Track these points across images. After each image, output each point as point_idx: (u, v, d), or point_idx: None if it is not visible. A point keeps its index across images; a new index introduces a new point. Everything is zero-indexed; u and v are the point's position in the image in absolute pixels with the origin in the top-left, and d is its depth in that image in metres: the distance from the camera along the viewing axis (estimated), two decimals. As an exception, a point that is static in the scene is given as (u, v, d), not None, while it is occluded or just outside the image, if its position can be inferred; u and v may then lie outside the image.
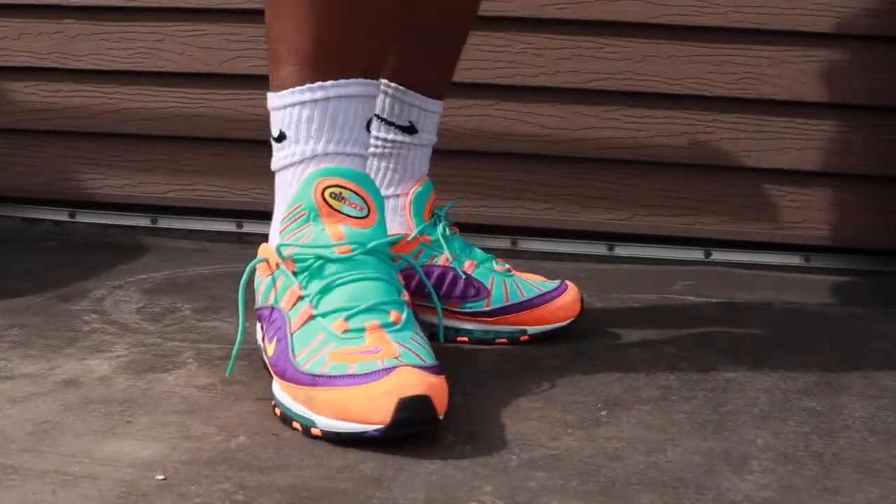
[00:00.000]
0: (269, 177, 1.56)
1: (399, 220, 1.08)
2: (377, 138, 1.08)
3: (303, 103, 0.89)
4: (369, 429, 0.77)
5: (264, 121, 1.54)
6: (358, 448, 0.79)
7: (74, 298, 1.21)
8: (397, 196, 1.08)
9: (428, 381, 0.78)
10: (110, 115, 1.59)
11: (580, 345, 1.06)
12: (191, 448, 0.79)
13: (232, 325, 1.12)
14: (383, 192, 1.07)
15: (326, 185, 0.88)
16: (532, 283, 1.08)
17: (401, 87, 1.07)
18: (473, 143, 1.48)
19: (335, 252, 0.87)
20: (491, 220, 1.52)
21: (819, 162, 1.45)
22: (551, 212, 1.52)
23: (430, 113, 1.09)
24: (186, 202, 1.60)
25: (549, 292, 1.07)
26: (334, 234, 0.88)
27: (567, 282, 1.08)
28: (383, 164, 1.08)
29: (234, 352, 0.91)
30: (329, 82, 0.88)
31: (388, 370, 0.78)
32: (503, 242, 1.53)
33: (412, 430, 0.78)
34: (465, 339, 1.07)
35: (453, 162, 1.51)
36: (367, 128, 0.93)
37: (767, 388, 0.94)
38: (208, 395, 0.91)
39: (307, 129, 0.90)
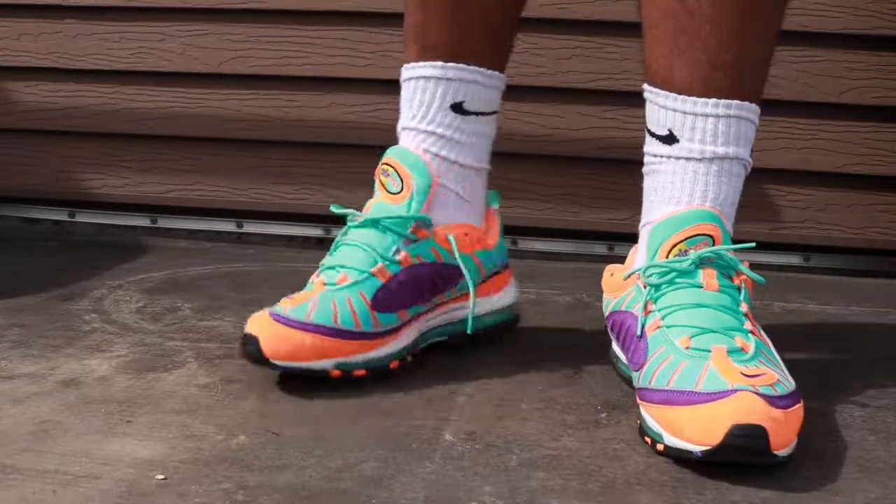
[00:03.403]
0: (269, 177, 1.57)
1: (639, 255, 0.92)
2: (645, 154, 0.92)
3: (401, 82, 1.00)
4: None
5: (264, 121, 1.55)
6: (357, 448, 0.79)
7: (74, 298, 1.21)
8: (648, 224, 0.91)
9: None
10: (110, 115, 1.59)
11: (580, 345, 1.05)
12: (191, 448, 0.79)
13: (231, 325, 1.12)
14: (643, 220, 0.92)
15: (380, 164, 0.98)
16: (718, 375, 0.78)
17: (653, 88, 0.90)
18: (473, 143, 1.47)
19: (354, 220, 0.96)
20: (491, 220, 1.52)
21: (819, 162, 1.45)
22: (551, 212, 1.52)
23: (698, 116, 0.87)
24: (186, 202, 1.60)
25: (701, 393, 0.77)
26: (367, 206, 0.96)
27: (744, 392, 0.75)
28: (647, 183, 0.92)
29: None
30: (408, 65, 0.98)
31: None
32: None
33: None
34: (640, 421, 0.83)
35: (453, 162, 1.51)
36: (456, 109, 0.97)
37: (767, 388, 0.94)
38: (208, 394, 0.91)
39: (403, 105, 1.00)
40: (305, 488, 0.73)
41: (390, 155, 0.97)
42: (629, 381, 0.92)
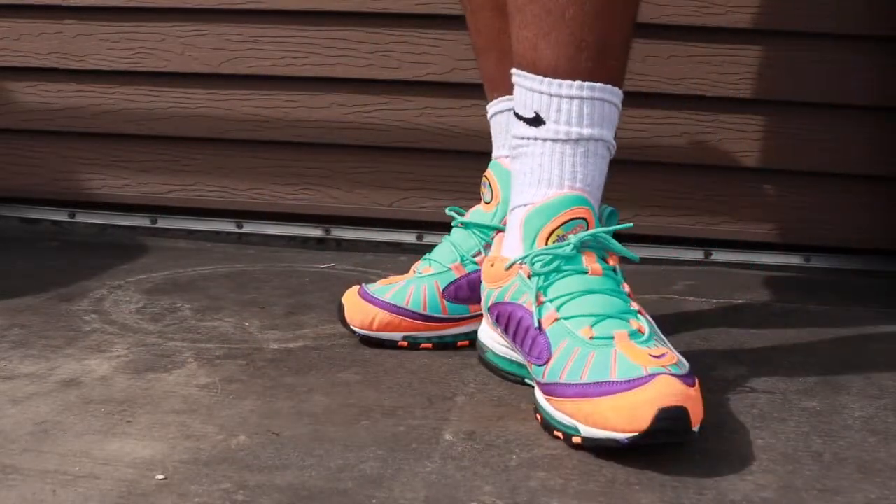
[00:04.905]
0: (269, 177, 1.57)
1: (511, 240, 0.92)
2: (513, 137, 0.93)
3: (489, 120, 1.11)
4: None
5: (264, 121, 1.55)
6: (357, 448, 0.79)
7: (74, 298, 1.21)
8: (523, 206, 0.91)
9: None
10: (110, 115, 1.59)
11: (580, 345, 1.05)
12: (191, 448, 0.79)
13: (231, 325, 1.12)
14: (512, 203, 0.93)
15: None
16: (629, 361, 0.79)
17: (520, 71, 0.91)
18: (473, 144, 1.48)
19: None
20: (491, 220, 1.52)
21: (819, 162, 1.45)
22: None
23: (563, 98, 0.88)
24: (186, 202, 1.60)
25: (619, 382, 0.77)
26: (469, 211, 1.08)
27: (663, 376, 0.76)
28: (515, 167, 0.92)
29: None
30: (490, 103, 1.09)
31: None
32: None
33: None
34: (539, 416, 0.84)
35: (453, 162, 1.51)
36: None
37: (767, 389, 0.94)
38: (208, 394, 0.91)
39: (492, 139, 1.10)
40: (305, 488, 0.73)
41: (489, 168, 1.07)
42: (500, 371, 0.95)
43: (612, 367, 0.79)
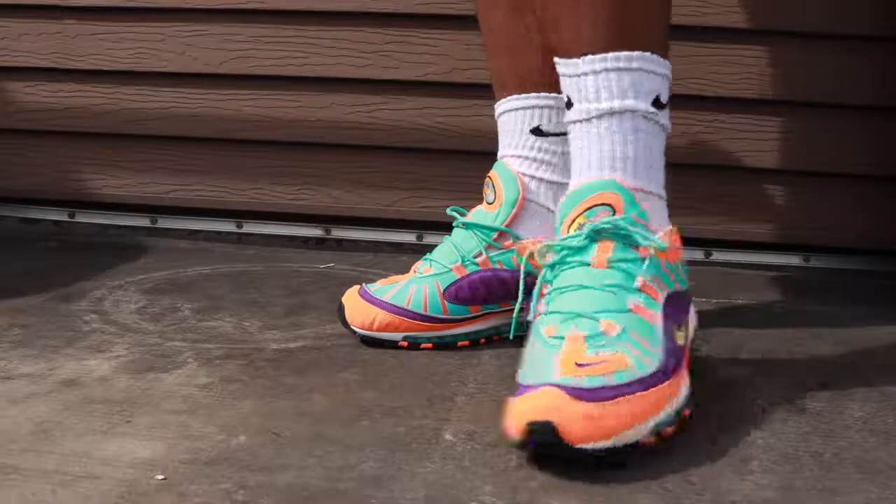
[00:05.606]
0: (269, 177, 1.57)
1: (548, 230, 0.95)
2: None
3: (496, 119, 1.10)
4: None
5: (264, 121, 1.55)
6: (357, 448, 0.79)
7: (74, 298, 1.21)
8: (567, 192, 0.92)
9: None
10: (110, 115, 1.59)
11: (580, 345, 1.05)
12: (191, 448, 0.79)
13: (231, 325, 1.12)
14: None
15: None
16: (551, 366, 0.79)
17: (557, 58, 0.90)
18: (474, 144, 1.48)
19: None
20: (491, 220, 1.52)
21: (819, 162, 1.45)
22: (551, 212, 1.52)
23: (580, 77, 0.87)
24: (186, 202, 1.60)
25: (522, 385, 0.80)
26: (470, 211, 1.08)
27: (548, 387, 0.75)
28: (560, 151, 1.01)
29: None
30: (497, 102, 1.09)
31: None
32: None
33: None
34: None
35: (453, 162, 1.51)
36: (535, 132, 1.05)
37: (767, 389, 0.94)
38: (208, 394, 0.91)
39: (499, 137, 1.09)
40: (305, 488, 0.73)
41: (493, 169, 1.07)
42: None
43: (538, 370, 0.78)
